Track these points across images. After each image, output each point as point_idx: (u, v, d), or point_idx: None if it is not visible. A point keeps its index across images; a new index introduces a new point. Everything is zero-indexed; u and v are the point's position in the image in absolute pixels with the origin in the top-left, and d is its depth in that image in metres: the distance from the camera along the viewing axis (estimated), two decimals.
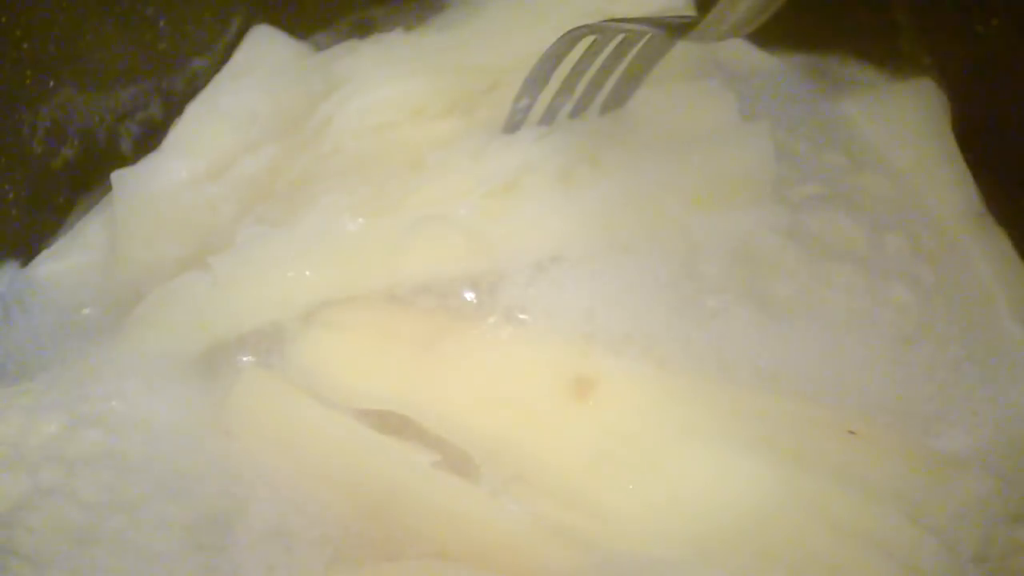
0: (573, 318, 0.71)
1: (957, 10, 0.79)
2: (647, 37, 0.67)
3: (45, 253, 0.78)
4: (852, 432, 0.66)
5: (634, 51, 0.69)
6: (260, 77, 0.83)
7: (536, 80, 0.72)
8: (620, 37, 0.68)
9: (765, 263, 0.74)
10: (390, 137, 0.76)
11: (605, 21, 0.68)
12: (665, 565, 0.62)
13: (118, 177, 0.77)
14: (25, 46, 0.71)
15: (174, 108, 0.83)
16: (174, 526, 0.64)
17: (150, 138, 0.83)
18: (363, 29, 0.90)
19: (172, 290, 0.71)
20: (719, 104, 0.77)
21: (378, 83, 0.78)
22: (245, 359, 0.70)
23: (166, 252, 0.75)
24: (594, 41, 0.69)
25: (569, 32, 0.68)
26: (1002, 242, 0.77)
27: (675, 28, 0.62)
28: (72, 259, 0.78)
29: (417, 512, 0.63)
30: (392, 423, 0.68)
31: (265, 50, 0.86)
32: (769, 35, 0.87)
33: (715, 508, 0.63)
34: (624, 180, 0.73)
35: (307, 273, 0.71)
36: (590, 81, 0.73)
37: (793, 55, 0.87)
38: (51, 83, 0.75)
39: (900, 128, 0.81)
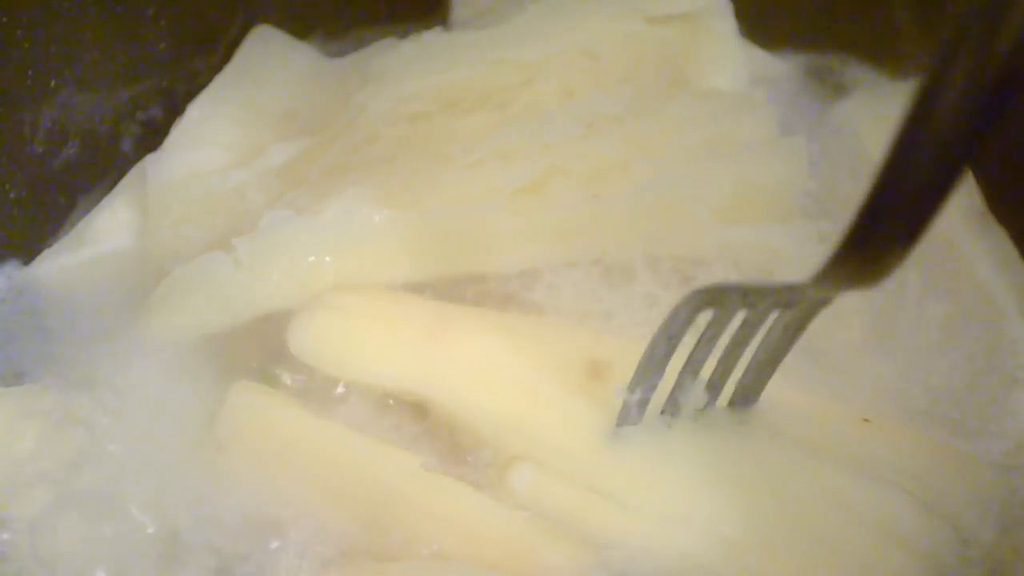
0: (591, 305, 0.72)
1: (957, 10, 0.78)
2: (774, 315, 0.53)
3: (47, 251, 0.78)
4: (866, 420, 0.66)
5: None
6: (266, 74, 0.84)
7: (651, 366, 0.58)
8: (743, 315, 0.55)
9: (772, 261, 0.74)
10: (423, 127, 0.76)
11: (728, 285, 0.54)
12: (671, 555, 0.61)
13: (151, 161, 0.79)
14: (26, 46, 0.71)
15: (175, 108, 0.83)
16: (175, 531, 0.64)
17: (151, 138, 0.83)
18: (360, 29, 0.90)
19: (194, 269, 0.71)
20: (759, 117, 0.76)
21: (415, 74, 0.78)
22: (245, 357, 0.71)
23: (193, 236, 0.76)
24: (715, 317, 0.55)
25: (683, 303, 0.54)
26: (1003, 242, 0.77)
27: (810, 296, 0.48)
28: (75, 257, 0.78)
29: (415, 514, 0.63)
30: (401, 405, 0.68)
31: (266, 50, 0.86)
32: (769, 35, 0.87)
33: (727, 493, 0.62)
34: (654, 187, 0.73)
35: (327, 260, 0.71)
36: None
37: (793, 55, 0.87)
38: (52, 83, 0.75)
39: None
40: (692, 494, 0.62)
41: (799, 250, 0.74)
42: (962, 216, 0.77)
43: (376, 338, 0.69)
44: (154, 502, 0.65)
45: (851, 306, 0.73)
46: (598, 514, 0.62)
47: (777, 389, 0.66)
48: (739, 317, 0.56)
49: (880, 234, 0.42)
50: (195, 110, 0.82)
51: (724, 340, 0.58)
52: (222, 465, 0.66)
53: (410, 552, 0.63)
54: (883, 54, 0.85)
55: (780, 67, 0.86)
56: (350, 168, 0.75)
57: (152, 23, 0.80)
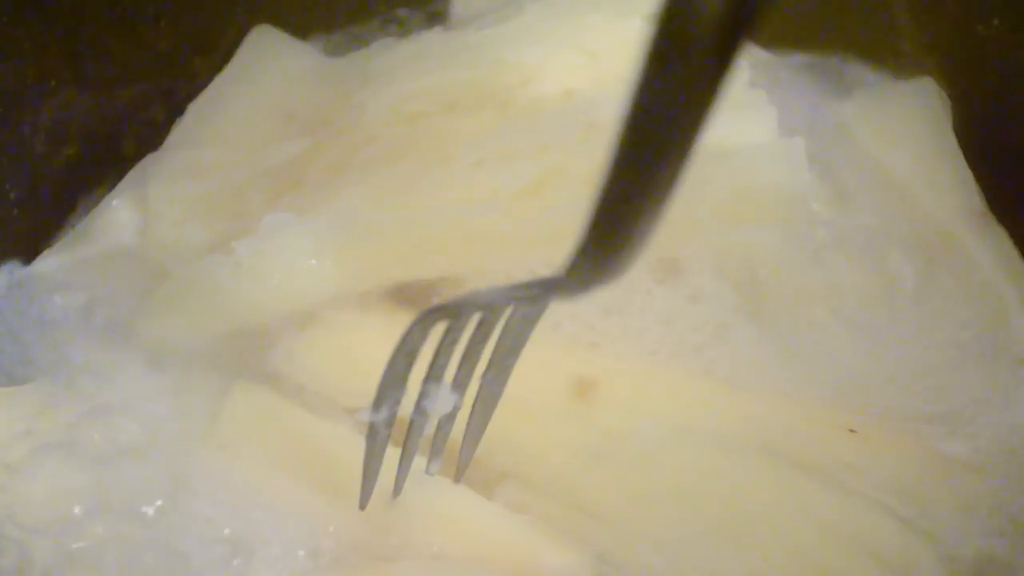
0: (581, 321, 0.72)
1: (957, 10, 0.79)
2: (509, 310, 0.53)
3: (47, 251, 0.78)
4: (852, 431, 0.66)
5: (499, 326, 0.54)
6: (266, 74, 0.84)
7: (392, 384, 0.55)
8: (478, 317, 0.54)
9: (768, 264, 0.74)
10: (423, 128, 0.76)
11: (461, 298, 0.53)
12: (660, 566, 0.62)
13: (151, 161, 0.79)
14: (26, 46, 0.72)
15: (175, 108, 0.83)
16: (176, 528, 0.64)
17: (151, 138, 0.83)
18: (360, 29, 0.90)
19: (194, 271, 0.71)
20: (759, 117, 0.76)
21: (415, 74, 0.78)
22: (246, 359, 0.71)
23: (193, 236, 0.76)
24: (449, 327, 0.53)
25: (417, 322, 0.52)
26: (1003, 242, 0.77)
27: (543, 291, 0.49)
28: (75, 256, 0.78)
29: (414, 515, 0.63)
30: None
31: (266, 50, 0.86)
32: (769, 35, 0.87)
33: (710, 510, 0.63)
34: None
35: (328, 263, 0.71)
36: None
37: (793, 55, 0.87)
38: (52, 83, 0.75)
39: (900, 128, 0.81)
40: (673, 505, 0.63)
41: (799, 252, 0.74)
42: (962, 216, 0.77)
43: (365, 358, 0.69)
44: (154, 500, 0.65)
45: (847, 308, 0.73)
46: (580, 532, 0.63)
47: (766, 400, 0.66)
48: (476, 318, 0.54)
49: (617, 235, 0.45)
50: (195, 110, 0.82)
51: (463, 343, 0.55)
52: (223, 463, 0.66)
53: (410, 553, 0.63)
54: (883, 54, 0.85)
55: (780, 67, 0.86)
56: (350, 168, 0.75)
57: (152, 23, 0.80)
